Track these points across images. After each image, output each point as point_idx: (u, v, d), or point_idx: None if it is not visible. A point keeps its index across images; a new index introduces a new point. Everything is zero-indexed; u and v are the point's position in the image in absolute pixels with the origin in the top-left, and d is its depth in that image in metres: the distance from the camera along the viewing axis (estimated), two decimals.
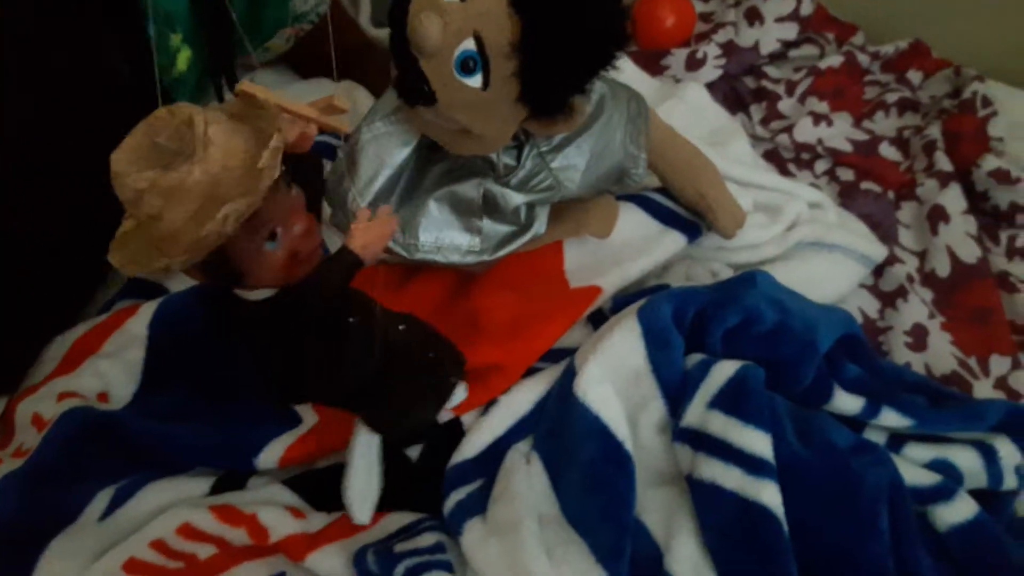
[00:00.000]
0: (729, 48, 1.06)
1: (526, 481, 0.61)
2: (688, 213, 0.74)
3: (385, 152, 0.63)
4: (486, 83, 0.55)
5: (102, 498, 0.61)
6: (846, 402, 0.63)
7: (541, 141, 0.64)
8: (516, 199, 0.63)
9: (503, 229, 0.64)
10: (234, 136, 0.41)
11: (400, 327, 0.57)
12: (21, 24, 0.62)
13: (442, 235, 0.63)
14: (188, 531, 0.60)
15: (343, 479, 0.60)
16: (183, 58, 0.74)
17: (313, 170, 0.52)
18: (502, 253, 0.64)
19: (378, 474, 0.61)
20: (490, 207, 0.63)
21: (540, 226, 0.65)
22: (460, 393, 0.64)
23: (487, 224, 0.63)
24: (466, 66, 0.54)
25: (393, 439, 0.62)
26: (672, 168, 0.72)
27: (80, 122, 0.66)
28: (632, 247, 0.73)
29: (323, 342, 0.51)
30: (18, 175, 0.66)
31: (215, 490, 0.63)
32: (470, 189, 0.63)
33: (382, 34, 1.02)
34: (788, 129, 0.96)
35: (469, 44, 0.54)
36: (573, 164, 0.64)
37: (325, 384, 0.55)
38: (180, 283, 0.75)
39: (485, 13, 0.53)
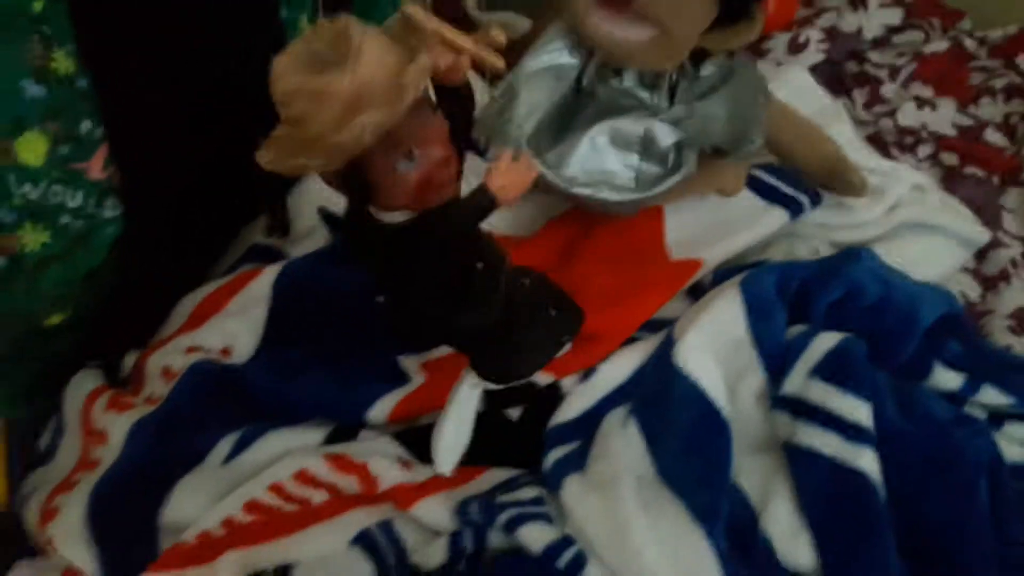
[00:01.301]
0: (832, 33, 1.06)
1: (623, 443, 0.63)
2: (792, 189, 0.75)
3: (547, 85, 0.65)
4: None
5: (225, 444, 0.65)
6: (946, 378, 0.63)
7: (691, 85, 0.66)
8: (670, 137, 0.65)
9: (655, 169, 0.66)
10: (387, 52, 0.43)
11: (525, 281, 0.59)
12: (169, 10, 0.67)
13: (600, 169, 0.65)
14: (304, 477, 0.63)
15: (435, 427, 0.63)
16: None
17: (464, 103, 0.52)
18: (654, 192, 0.66)
19: (468, 430, 0.64)
20: (647, 144, 0.65)
21: (690, 167, 0.66)
22: (565, 348, 0.66)
23: (641, 163, 0.65)
24: None
25: (498, 386, 0.64)
26: (796, 134, 0.73)
27: (219, 102, 0.71)
28: (734, 222, 0.74)
29: (446, 280, 0.52)
30: (156, 152, 0.71)
31: (328, 441, 0.67)
32: (631, 123, 0.65)
33: (492, 19, 1.05)
34: (891, 113, 0.96)
35: None
36: (716, 114, 0.66)
37: (441, 324, 0.57)
38: (301, 248, 0.79)
39: None
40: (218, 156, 0.68)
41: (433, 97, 0.50)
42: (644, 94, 0.67)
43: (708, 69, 0.67)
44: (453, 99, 0.50)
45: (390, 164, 0.45)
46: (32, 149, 0.68)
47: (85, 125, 0.70)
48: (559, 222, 0.79)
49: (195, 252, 0.81)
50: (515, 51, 0.70)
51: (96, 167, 0.71)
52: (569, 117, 0.67)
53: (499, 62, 0.47)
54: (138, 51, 0.68)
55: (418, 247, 0.49)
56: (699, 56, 0.66)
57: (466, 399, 0.63)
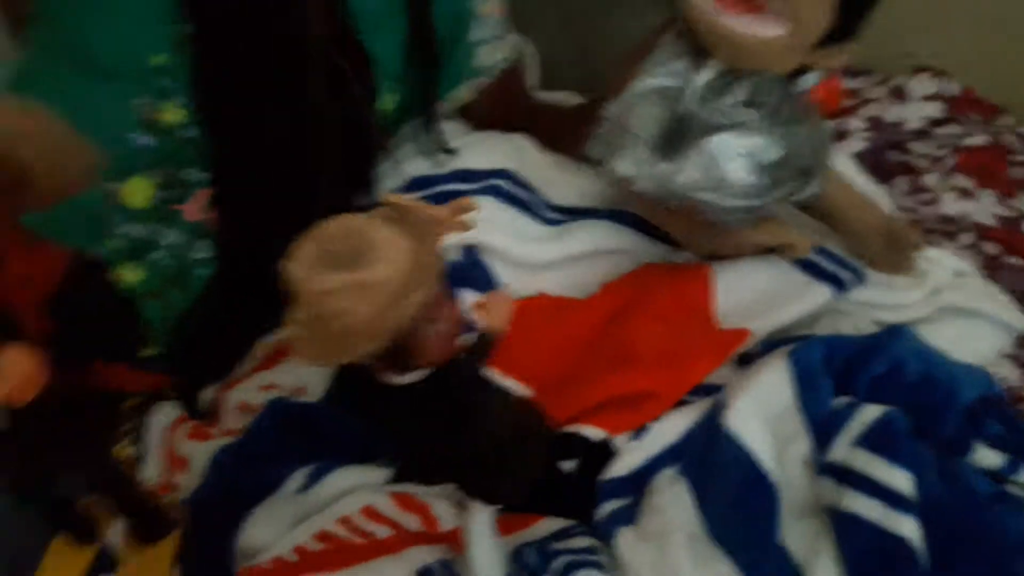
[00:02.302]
0: (875, 123, 1.11)
1: (673, 502, 0.67)
2: (836, 267, 0.79)
3: (656, 103, 0.71)
4: None
5: (299, 476, 0.69)
6: (987, 456, 0.66)
7: (785, 107, 0.71)
8: (776, 153, 0.70)
9: (765, 181, 0.71)
10: (399, 237, 0.48)
11: (512, 401, 0.65)
12: (270, 63, 0.74)
13: (723, 173, 0.69)
14: (370, 512, 0.67)
15: (467, 552, 0.65)
16: (389, 100, 0.85)
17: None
18: (769, 199, 0.71)
19: (499, 554, 0.66)
20: (755, 157, 0.70)
21: (815, 188, 0.72)
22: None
23: (751, 175, 0.70)
24: None
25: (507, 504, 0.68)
26: (850, 198, 0.78)
27: (314, 155, 0.78)
28: (781, 295, 0.78)
29: (457, 421, 0.58)
30: (253, 199, 0.77)
31: (393, 480, 0.71)
32: (739, 138, 0.70)
33: (548, 98, 1.12)
34: (932, 202, 1.00)
35: None
36: (802, 142, 0.71)
37: (448, 460, 0.63)
38: None
39: None
40: (309, 205, 0.74)
41: None
42: (745, 115, 0.71)
43: (801, 86, 0.72)
44: None
45: (423, 329, 0.51)
46: (137, 192, 0.74)
47: (188, 171, 0.75)
48: (615, 286, 0.84)
49: (275, 297, 0.86)
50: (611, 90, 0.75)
51: (193, 209, 0.77)
52: (674, 137, 0.71)
53: (469, 228, 0.53)
54: (247, 104, 0.75)
55: (437, 399, 0.56)
56: (794, 75, 0.71)
57: (484, 529, 0.65)
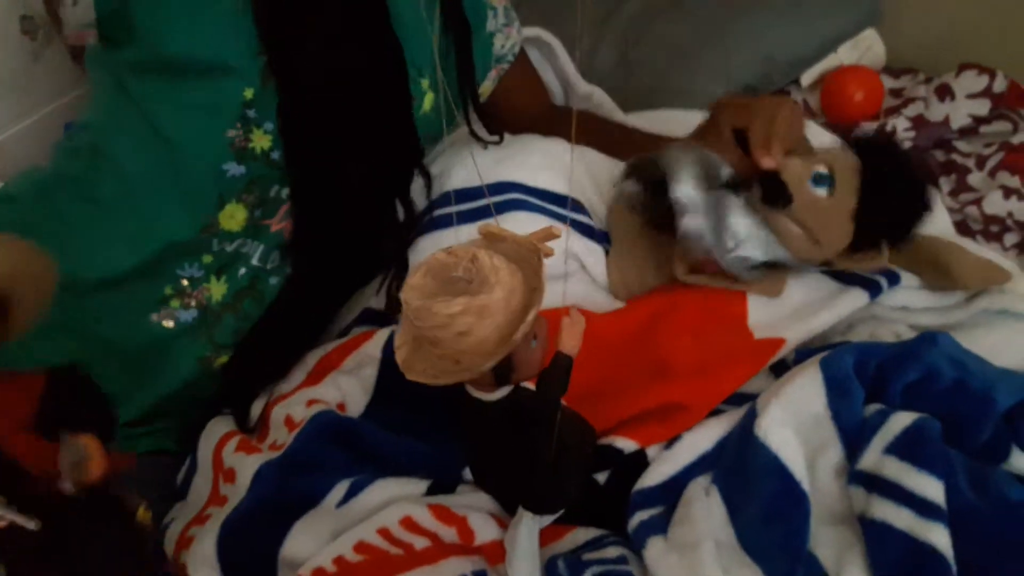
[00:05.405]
0: (919, 122, 1.10)
1: (705, 510, 0.67)
2: (868, 272, 0.79)
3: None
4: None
5: (340, 489, 0.72)
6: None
7: None
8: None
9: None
10: (507, 263, 0.52)
11: (568, 412, 0.66)
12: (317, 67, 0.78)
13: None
14: (409, 523, 0.69)
15: (508, 562, 0.66)
16: (428, 100, 0.88)
17: None
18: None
19: (538, 560, 0.67)
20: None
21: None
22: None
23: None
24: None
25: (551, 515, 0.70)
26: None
27: (369, 175, 0.83)
28: (813, 304, 0.78)
29: (527, 435, 0.61)
30: (323, 205, 0.82)
31: (430, 491, 0.73)
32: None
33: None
34: (977, 201, 0.99)
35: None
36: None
37: (523, 472, 0.65)
38: None
39: None
40: (363, 222, 0.79)
41: None
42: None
43: None
44: None
45: (528, 346, 0.55)
46: (232, 218, 0.79)
47: (274, 189, 0.80)
48: (645, 298, 0.85)
49: (323, 310, 0.90)
50: None
51: (276, 221, 0.82)
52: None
53: (552, 253, 0.56)
54: (319, 128, 0.79)
55: (514, 413, 0.60)
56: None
57: (530, 535, 0.67)
